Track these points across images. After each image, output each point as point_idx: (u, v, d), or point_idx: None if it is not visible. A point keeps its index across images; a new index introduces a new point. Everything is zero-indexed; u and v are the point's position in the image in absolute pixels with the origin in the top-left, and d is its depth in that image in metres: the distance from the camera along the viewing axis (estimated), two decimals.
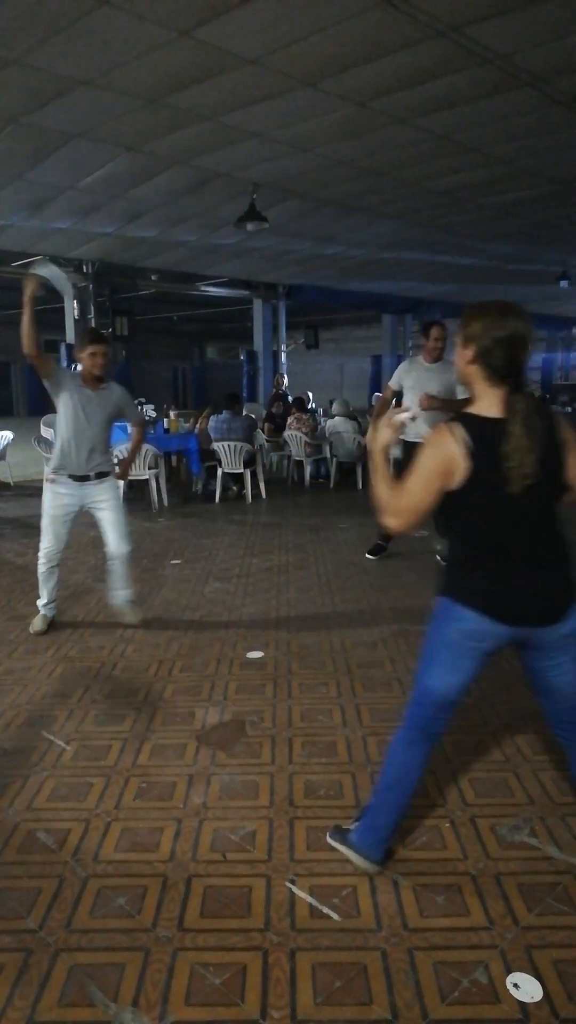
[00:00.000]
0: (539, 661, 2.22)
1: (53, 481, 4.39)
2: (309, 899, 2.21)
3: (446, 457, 1.99)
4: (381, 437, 2.16)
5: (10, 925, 2.10)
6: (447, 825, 2.58)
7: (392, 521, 2.09)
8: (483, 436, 1.98)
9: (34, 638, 4.44)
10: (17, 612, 4.90)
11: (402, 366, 5.95)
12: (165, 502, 8.91)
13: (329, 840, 2.46)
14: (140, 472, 8.56)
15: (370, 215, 9.75)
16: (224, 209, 9.00)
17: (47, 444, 9.34)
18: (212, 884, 2.27)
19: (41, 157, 7.24)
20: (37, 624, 4.56)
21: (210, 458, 9.34)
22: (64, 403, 4.29)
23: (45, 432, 10.50)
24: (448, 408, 5.61)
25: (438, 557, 5.98)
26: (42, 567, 4.51)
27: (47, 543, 4.46)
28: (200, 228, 10.03)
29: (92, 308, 11.75)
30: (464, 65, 5.45)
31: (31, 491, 9.94)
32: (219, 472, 9.26)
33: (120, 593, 4.66)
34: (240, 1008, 1.83)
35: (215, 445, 9.11)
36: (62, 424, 4.32)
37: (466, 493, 2.01)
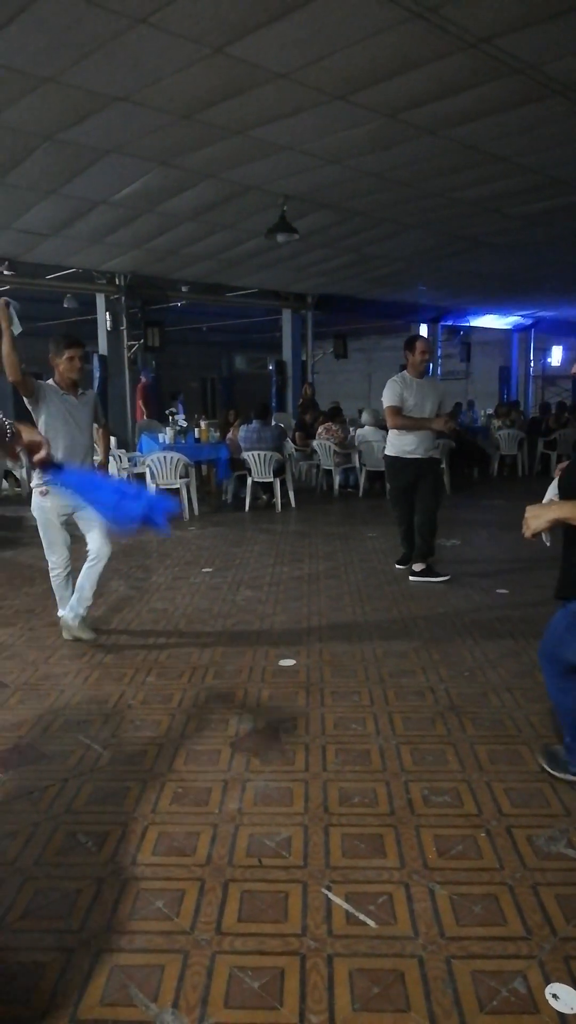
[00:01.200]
0: None
1: (46, 494, 4.31)
2: (345, 906, 2.22)
3: None
4: (545, 510, 2.45)
5: (52, 925, 2.13)
6: (483, 835, 2.57)
7: None
8: None
9: (70, 644, 4.50)
10: (52, 619, 4.97)
11: (397, 384, 5.81)
12: (196, 511, 8.98)
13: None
14: (171, 481, 8.65)
15: (398, 225, 9.79)
16: (254, 221, 9.10)
17: None
18: (249, 889, 2.29)
19: (75, 172, 7.39)
20: (75, 629, 4.50)
21: (240, 467, 9.41)
22: (50, 415, 4.28)
23: None
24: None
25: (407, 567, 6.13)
26: (57, 578, 4.51)
27: (56, 556, 4.44)
28: (230, 240, 10.14)
29: (124, 319, 11.92)
30: (493, 76, 5.48)
31: None
32: (249, 481, 9.31)
33: (83, 600, 4.49)
34: (279, 1012, 1.84)
35: (245, 454, 9.18)
36: (49, 433, 4.20)
37: None
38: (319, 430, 10.75)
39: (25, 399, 4.33)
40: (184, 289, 13.56)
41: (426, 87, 5.64)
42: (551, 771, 2.93)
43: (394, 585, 5.81)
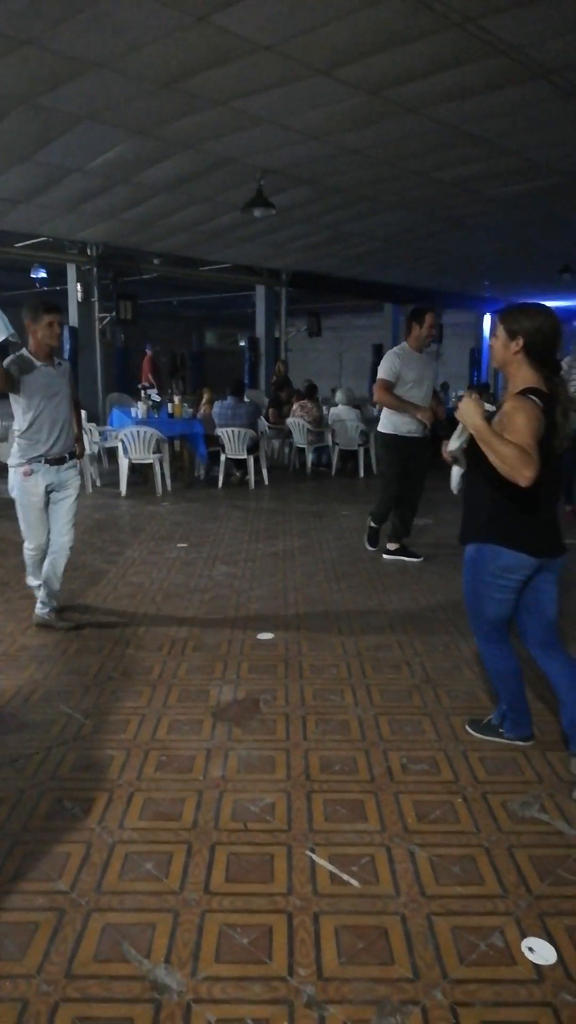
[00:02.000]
0: (541, 582, 2.82)
1: (29, 474, 4.07)
2: (329, 867, 2.29)
3: (540, 419, 2.52)
4: (478, 409, 2.55)
5: (43, 887, 2.17)
6: (459, 801, 2.66)
7: (529, 473, 2.43)
8: (546, 406, 2.56)
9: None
10: (29, 591, 4.95)
11: (397, 357, 5.62)
12: (168, 487, 8.96)
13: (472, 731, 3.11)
14: (144, 456, 8.60)
15: (377, 204, 9.76)
16: (230, 195, 9.00)
17: None
18: (235, 851, 2.35)
19: (50, 138, 7.23)
20: (50, 621, 4.31)
21: (213, 443, 9.40)
22: (30, 388, 3.99)
23: None
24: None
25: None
26: (31, 557, 4.29)
27: (35, 540, 4.21)
28: (206, 213, 10.02)
29: (96, 291, 11.74)
30: (477, 56, 5.48)
31: None
32: (222, 458, 9.31)
33: (53, 594, 4.35)
34: (268, 966, 1.91)
35: (219, 431, 9.16)
36: (32, 409, 4.00)
37: (541, 450, 2.49)
38: (294, 407, 10.75)
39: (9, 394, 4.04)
40: (156, 262, 13.40)
41: (410, 65, 5.62)
42: (478, 734, 3.11)
43: (369, 563, 5.89)
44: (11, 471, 4.15)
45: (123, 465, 8.65)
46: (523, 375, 2.62)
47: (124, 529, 6.96)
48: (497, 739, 3.07)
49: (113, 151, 7.60)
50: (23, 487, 4.11)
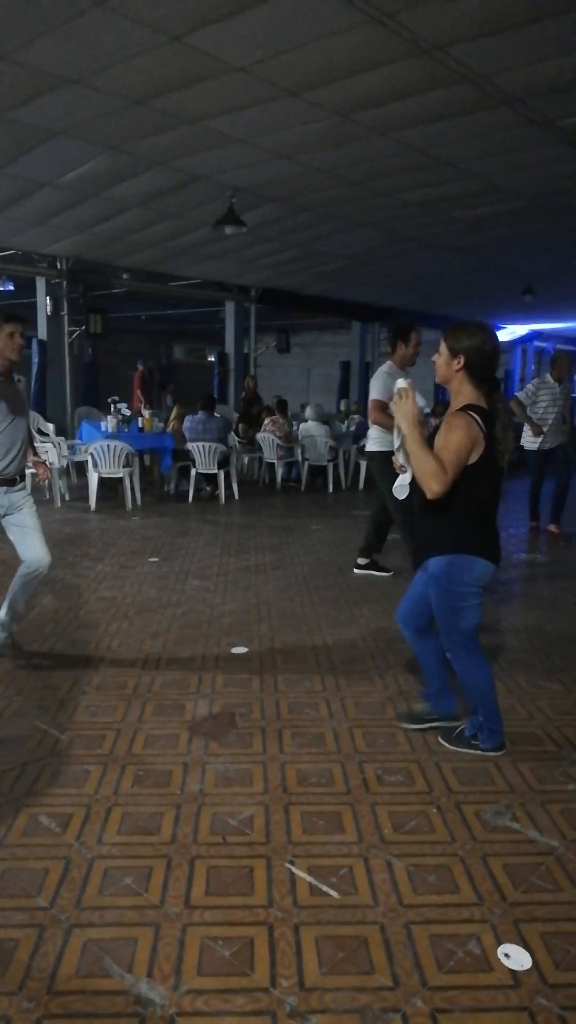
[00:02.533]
0: None
1: None
2: (308, 878, 2.31)
3: (475, 436, 2.66)
4: (411, 410, 2.68)
5: (22, 903, 2.16)
6: (434, 811, 2.71)
7: (437, 488, 2.63)
8: (485, 422, 2.70)
9: (17, 630, 4.44)
10: None
11: (389, 377, 5.57)
12: (139, 501, 8.93)
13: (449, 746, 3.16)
14: (114, 470, 8.57)
15: (345, 223, 9.92)
16: (201, 211, 9.07)
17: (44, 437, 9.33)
18: (215, 865, 2.36)
19: (21, 152, 7.23)
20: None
21: (183, 458, 9.40)
22: None
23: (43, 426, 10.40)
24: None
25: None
26: None
27: None
28: (176, 229, 10.08)
29: (65, 304, 11.69)
30: (445, 83, 5.63)
31: None
32: (192, 472, 9.31)
33: (17, 617, 4.07)
34: (251, 977, 1.92)
35: (189, 445, 9.17)
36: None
37: (479, 465, 2.70)
38: (264, 423, 10.81)
39: None
40: (125, 276, 13.39)
41: (379, 89, 5.75)
42: (454, 747, 3.17)
43: (339, 576, 5.94)
44: None
45: (92, 479, 8.60)
46: (465, 391, 2.78)
47: (95, 543, 6.92)
48: (471, 750, 3.12)
49: (85, 166, 7.63)
50: None
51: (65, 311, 11.84)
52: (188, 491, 9.43)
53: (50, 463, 8.61)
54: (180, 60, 5.29)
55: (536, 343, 24.95)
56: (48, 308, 11.84)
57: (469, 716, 3.20)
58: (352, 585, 5.69)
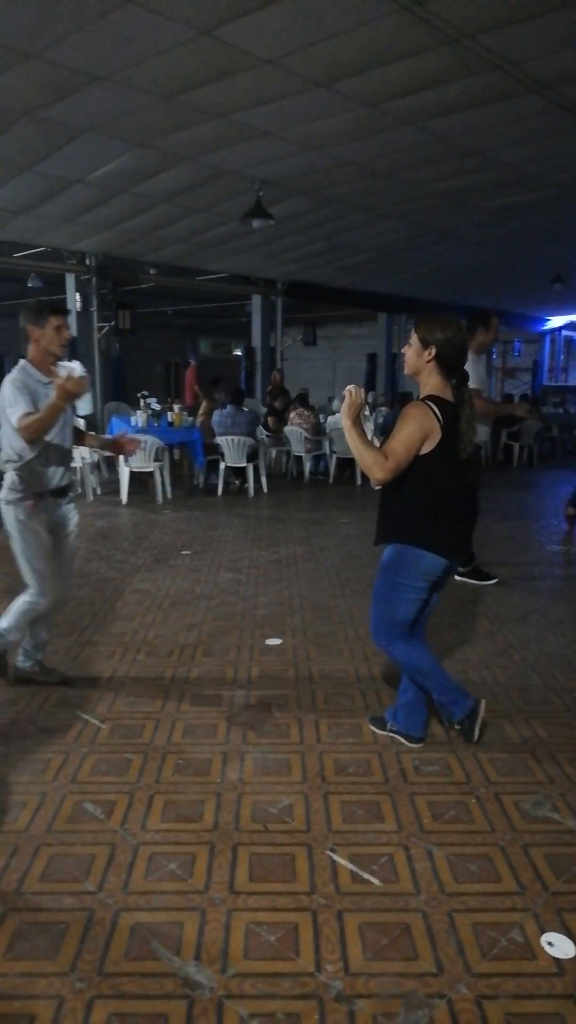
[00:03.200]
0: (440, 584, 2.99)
1: (35, 507, 3.32)
2: (350, 866, 2.34)
3: (428, 427, 2.70)
4: (350, 409, 2.73)
5: (70, 887, 2.21)
6: (473, 801, 2.71)
7: (379, 476, 2.68)
8: (446, 414, 2.72)
9: (55, 621, 4.50)
10: None
11: (480, 365, 5.29)
12: (169, 495, 9.00)
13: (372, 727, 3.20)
14: (145, 464, 8.65)
15: (372, 215, 9.87)
16: (228, 206, 9.09)
17: None
18: (257, 852, 2.39)
19: (52, 150, 7.30)
20: (32, 674, 3.65)
21: (212, 452, 9.45)
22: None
23: None
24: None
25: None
26: (33, 610, 3.42)
27: (52, 592, 3.40)
28: (204, 223, 10.10)
29: (95, 301, 11.79)
30: (474, 71, 5.58)
31: None
32: (221, 466, 9.36)
33: (41, 645, 3.68)
34: (296, 962, 1.95)
35: (218, 439, 9.21)
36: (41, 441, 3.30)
37: (433, 456, 2.72)
38: (291, 415, 10.82)
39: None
40: (152, 272, 13.47)
41: (408, 79, 5.72)
42: (375, 729, 3.21)
43: (370, 569, 5.93)
44: (9, 508, 3.32)
45: (123, 474, 8.69)
46: (432, 382, 2.79)
47: (127, 537, 6.99)
48: (394, 735, 3.10)
49: (114, 163, 7.67)
50: (28, 527, 3.32)
51: (94, 307, 11.94)
52: (217, 485, 9.48)
53: (82, 458, 8.72)
54: (209, 54, 5.31)
55: (565, 332, 24.62)
56: (77, 304, 11.94)
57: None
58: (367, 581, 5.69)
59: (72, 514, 3.54)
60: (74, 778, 2.80)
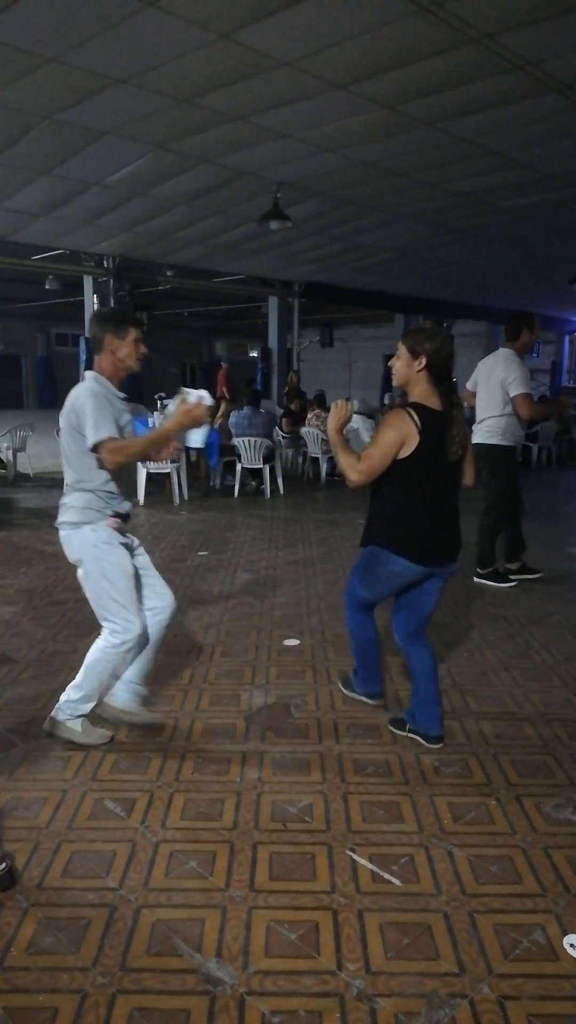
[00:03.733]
0: (428, 586, 3.06)
1: (119, 526, 3.04)
2: (370, 866, 2.33)
3: (406, 432, 2.79)
4: (334, 419, 2.96)
5: (92, 884, 2.22)
6: (493, 803, 2.70)
7: (355, 478, 2.85)
8: (427, 420, 2.81)
9: (76, 623, 4.54)
10: (55, 598, 5.03)
11: (519, 364, 5.31)
12: (185, 496, 9.03)
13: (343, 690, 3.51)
14: (162, 465, 8.69)
15: (389, 216, 9.86)
16: (246, 207, 9.11)
17: None
18: (277, 851, 2.39)
19: (71, 153, 7.36)
20: (133, 715, 3.20)
21: (228, 453, 9.47)
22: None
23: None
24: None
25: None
26: (120, 649, 3.02)
27: (140, 618, 3.02)
28: (221, 225, 10.14)
29: (112, 302, 11.87)
30: (493, 71, 5.57)
31: (49, 482, 10.07)
32: (238, 467, 9.38)
33: (145, 671, 3.29)
34: (317, 960, 1.95)
35: (235, 440, 9.23)
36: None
37: (410, 461, 2.81)
38: (309, 416, 10.83)
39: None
40: (169, 273, 13.53)
41: (427, 80, 5.71)
42: (344, 690, 3.51)
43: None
44: (87, 530, 2.96)
45: (141, 474, 8.73)
46: (419, 390, 2.89)
47: (144, 537, 7.01)
48: (413, 735, 3.15)
49: (132, 165, 7.72)
50: (114, 546, 2.98)
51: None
52: (234, 486, 9.50)
53: None
54: (228, 57, 5.33)
55: None
56: (95, 306, 12.02)
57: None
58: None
59: (133, 537, 3.20)
60: (95, 775, 2.82)
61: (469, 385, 5.65)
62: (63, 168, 7.77)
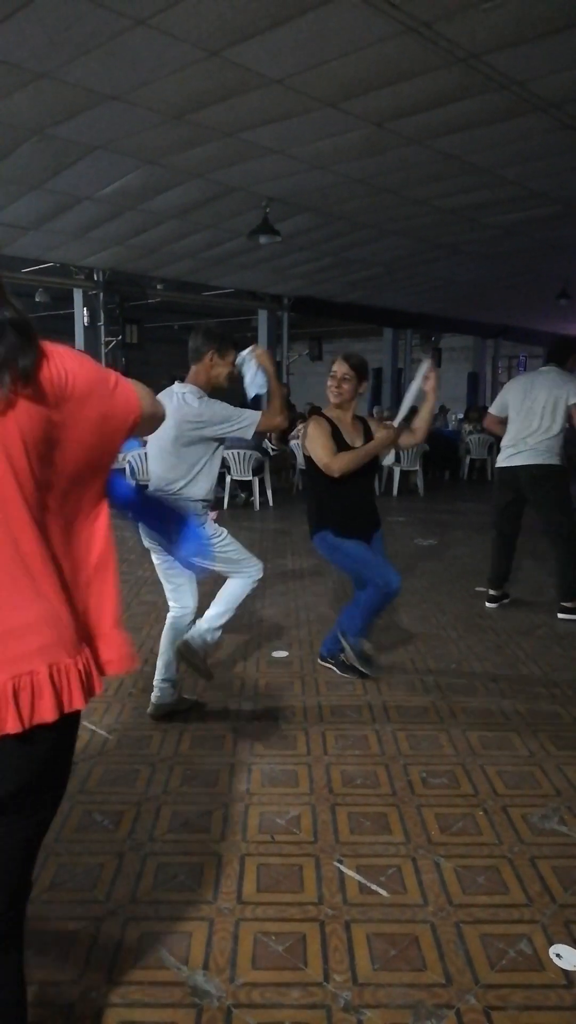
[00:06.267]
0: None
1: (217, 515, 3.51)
2: (357, 877, 2.34)
3: (326, 432, 3.66)
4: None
5: (79, 896, 2.21)
6: (480, 813, 2.71)
7: (333, 464, 3.59)
8: (335, 426, 3.70)
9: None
10: None
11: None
12: None
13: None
14: None
15: (378, 231, 9.96)
16: (236, 222, 9.18)
17: None
18: (264, 862, 2.39)
19: (62, 167, 7.40)
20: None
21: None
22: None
23: None
24: None
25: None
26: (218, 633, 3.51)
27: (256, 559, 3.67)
28: (211, 239, 10.20)
29: (102, 315, 11.90)
30: (480, 91, 5.66)
31: None
32: (227, 479, 9.39)
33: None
34: (304, 972, 1.95)
35: (224, 452, 9.25)
36: (216, 460, 3.46)
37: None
38: (297, 429, 10.86)
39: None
40: (159, 287, 13.58)
41: (415, 98, 5.79)
42: (364, 669, 3.82)
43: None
44: (204, 514, 3.50)
45: None
46: (352, 406, 3.79)
47: (134, 549, 6.98)
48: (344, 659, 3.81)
49: (123, 180, 7.77)
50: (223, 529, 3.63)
51: (101, 322, 12.05)
52: (223, 498, 9.51)
53: None
54: (218, 75, 5.39)
55: None
56: (85, 319, 12.06)
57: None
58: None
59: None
60: (82, 788, 2.81)
61: (496, 411, 5.43)
62: (54, 182, 7.81)
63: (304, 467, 5.43)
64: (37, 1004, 1.83)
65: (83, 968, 1.94)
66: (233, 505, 9.54)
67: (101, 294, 11.89)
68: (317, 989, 1.90)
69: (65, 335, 12.94)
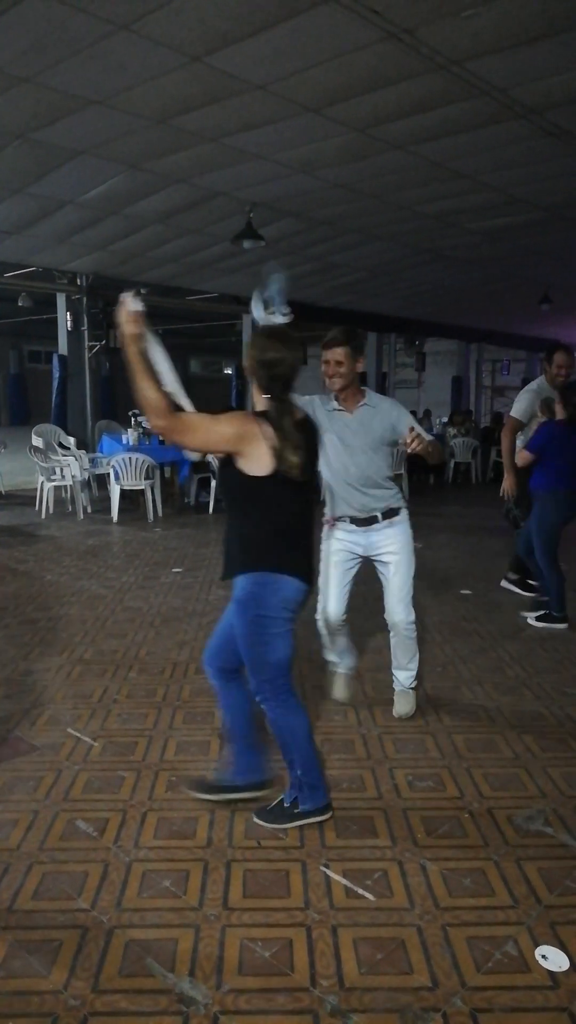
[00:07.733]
0: None
1: (332, 526, 3.69)
2: (344, 881, 2.34)
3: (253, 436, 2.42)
4: (128, 330, 2.37)
5: (63, 905, 2.20)
6: (466, 816, 2.72)
7: (161, 423, 2.37)
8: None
9: (48, 641, 4.51)
10: (27, 616, 4.98)
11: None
12: (160, 513, 9.01)
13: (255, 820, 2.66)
14: (136, 483, 8.66)
15: (362, 236, 10.00)
16: (219, 227, 9.18)
17: (41, 454, 9.42)
18: (251, 868, 2.39)
19: (44, 172, 7.37)
20: (341, 690, 3.74)
21: (204, 469, 9.47)
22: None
23: (36, 441, 10.52)
24: None
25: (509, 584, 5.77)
26: (322, 628, 3.77)
27: (321, 609, 3.72)
28: (195, 244, 10.20)
29: (85, 320, 11.86)
30: (462, 97, 5.69)
31: (23, 499, 9.99)
32: (213, 484, 9.38)
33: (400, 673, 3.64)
34: (291, 977, 1.95)
35: (210, 457, 9.23)
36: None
37: (272, 479, 2.39)
38: None
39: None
40: (143, 291, 13.54)
41: (397, 105, 5.82)
42: (263, 822, 2.64)
43: (361, 586, 5.93)
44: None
45: (114, 492, 8.70)
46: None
47: (118, 555, 6.99)
48: (296, 822, 2.59)
49: (106, 184, 7.75)
50: (327, 537, 3.81)
51: (85, 326, 12.00)
52: (208, 503, 9.49)
53: (72, 476, 8.74)
54: (201, 80, 5.40)
55: None
56: (68, 323, 12.00)
57: (288, 784, 2.67)
58: (374, 595, 5.69)
59: (384, 540, 3.67)
60: (67, 796, 2.79)
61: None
62: (37, 187, 7.78)
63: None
64: (20, 1014, 1.81)
65: (68, 977, 1.93)
66: (219, 510, 9.52)
67: (84, 298, 11.84)
68: (304, 994, 1.89)
69: (48, 340, 12.90)
